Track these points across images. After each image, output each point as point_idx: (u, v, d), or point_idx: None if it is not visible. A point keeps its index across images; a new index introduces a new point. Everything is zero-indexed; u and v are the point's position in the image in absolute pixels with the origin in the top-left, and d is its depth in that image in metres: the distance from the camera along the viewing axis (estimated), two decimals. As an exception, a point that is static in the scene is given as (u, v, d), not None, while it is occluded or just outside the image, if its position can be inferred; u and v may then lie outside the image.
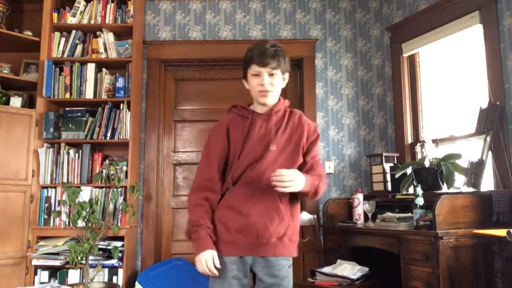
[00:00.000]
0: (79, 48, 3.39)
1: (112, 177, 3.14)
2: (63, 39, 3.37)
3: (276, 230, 1.66)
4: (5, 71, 3.23)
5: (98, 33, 3.41)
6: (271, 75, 1.69)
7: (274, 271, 1.65)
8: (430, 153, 2.85)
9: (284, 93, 3.66)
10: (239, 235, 1.64)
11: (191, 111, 3.71)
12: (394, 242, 2.49)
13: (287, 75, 1.78)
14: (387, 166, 3.23)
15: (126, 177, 3.21)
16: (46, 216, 3.13)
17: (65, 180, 3.16)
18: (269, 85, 1.69)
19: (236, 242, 1.65)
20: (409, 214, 2.59)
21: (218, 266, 1.62)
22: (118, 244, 3.06)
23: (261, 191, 1.66)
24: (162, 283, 3.09)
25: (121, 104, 3.28)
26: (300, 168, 1.72)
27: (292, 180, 1.59)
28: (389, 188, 3.19)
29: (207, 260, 1.60)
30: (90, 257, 2.93)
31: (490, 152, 2.58)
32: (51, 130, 3.20)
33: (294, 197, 1.73)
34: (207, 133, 1.84)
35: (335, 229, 3.09)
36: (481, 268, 2.27)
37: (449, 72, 3.15)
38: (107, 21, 3.40)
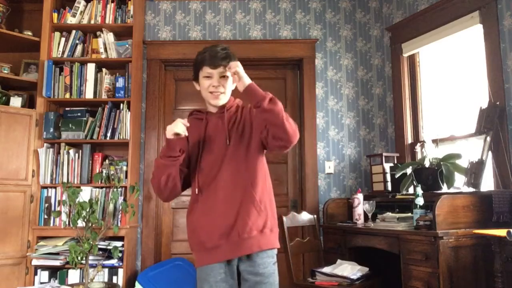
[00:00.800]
0: (79, 48, 3.39)
1: (112, 177, 3.14)
2: (63, 39, 3.37)
3: (256, 223, 1.67)
4: (5, 71, 3.23)
5: (98, 33, 3.41)
6: (222, 77, 1.73)
7: (260, 270, 1.66)
8: (430, 153, 2.85)
9: (284, 93, 3.70)
10: (221, 239, 1.65)
11: (191, 111, 3.71)
12: (394, 242, 2.49)
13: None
14: (387, 166, 3.23)
15: (126, 177, 3.21)
16: (46, 216, 3.13)
17: (65, 180, 3.16)
18: (221, 86, 1.73)
19: (220, 246, 1.65)
20: (409, 214, 2.59)
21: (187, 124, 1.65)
22: (118, 244, 3.06)
23: (231, 188, 1.67)
24: (162, 283, 3.09)
25: (121, 104, 3.28)
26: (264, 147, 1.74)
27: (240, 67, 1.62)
28: (389, 188, 3.19)
29: (175, 126, 1.64)
30: (90, 257, 2.93)
31: (490, 152, 2.58)
32: (51, 130, 3.20)
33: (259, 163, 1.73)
34: None
35: (335, 229, 3.09)
36: (481, 268, 2.27)
37: (449, 72, 3.15)
38: (107, 21, 3.40)
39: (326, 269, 2.70)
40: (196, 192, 1.71)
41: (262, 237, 1.68)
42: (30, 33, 3.34)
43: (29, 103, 3.42)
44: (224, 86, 1.74)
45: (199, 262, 1.71)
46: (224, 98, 1.77)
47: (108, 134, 3.26)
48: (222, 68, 1.72)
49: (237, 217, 1.65)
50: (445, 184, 2.71)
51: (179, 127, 1.64)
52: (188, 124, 1.66)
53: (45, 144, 3.20)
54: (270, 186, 1.79)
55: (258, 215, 1.68)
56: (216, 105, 1.78)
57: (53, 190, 3.17)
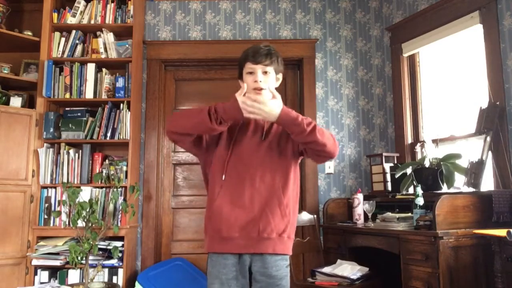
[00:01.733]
0: (79, 48, 3.39)
1: (112, 177, 3.14)
2: (63, 39, 3.37)
3: (278, 226, 1.66)
4: (5, 71, 3.23)
5: (98, 33, 3.41)
6: (264, 72, 1.73)
7: (272, 272, 1.65)
8: (430, 153, 2.85)
9: (284, 93, 3.70)
10: (240, 232, 1.64)
11: (191, 111, 3.71)
12: (394, 242, 2.49)
13: (280, 76, 1.84)
14: (387, 166, 3.23)
15: (126, 177, 3.21)
16: (46, 216, 3.13)
17: (65, 180, 3.16)
18: (263, 82, 1.72)
19: (236, 238, 1.64)
20: (409, 214, 2.59)
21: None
22: (118, 244, 3.06)
23: (261, 184, 1.67)
24: (162, 283, 3.09)
25: (121, 104, 3.28)
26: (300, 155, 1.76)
27: (262, 105, 1.59)
28: (389, 188, 3.19)
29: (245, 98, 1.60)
30: (90, 257, 2.93)
31: (490, 152, 2.58)
32: (51, 130, 3.20)
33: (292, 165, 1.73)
34: None
35: (335, 229, 3.09)
36: (481, 268, 2.27)
37: (449, 72, 3.15)
38: (107, 21, 3.40)
39: (326, 269, 2.70)
40: (223, 178, 1.69)
41: (280, 241, 1.68)
42: (30, 33, 3.34)
43: (29, 103, 3.43)
44: (266, 82, 1.74)
45: (210, 248, 1.71)
46: (264, 95, 1.74)
47: (108, 134, 3.26)
48: (263, 65, 1.72)
49: (261, 214, 1.65)
50: (445, 184, 2.71)
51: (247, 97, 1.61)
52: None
53: (45, 144, 3.20)
54: (298, 194, 1.78)
55: (281, 218, 1.67)
56: None
57: (53, 190, 3.18)
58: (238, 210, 1.65)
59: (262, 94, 1.70)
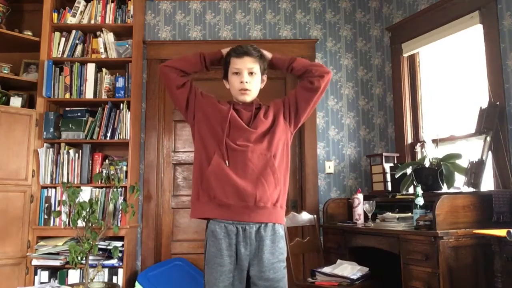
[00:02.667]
0: (79, 48, 3.39)
1: (112, 177, 3.14)
2: (63, 39, 3.37)
3: (272, 195, 1.69)
4: (5, 71, 3.23)
5: (98, 33, 3.41)
6: (250, 73, 1.76)
7: (270, 275, 1.65)
8: (430, 153, 2.85)
9: (284, 93, 3.69)
10: (236, 199, 1.65)
11: (191, 111, 3.71)
12: (394, 242, 2.49)
13: (265, 78, 1.87)
14: (387, 166, 3.23)
15: (126, 177, 3.21)
16: (46, 216, 3.13)
17: (65, 180, 3.16)
18: (249, 83, 1.75)
19: (232, 206, 1.66)
20: (409, 214, 2.59)
21: None
22: (118, 244, 3.06)
23: (256, 153, 1.70)
24: (162, 283, 3.09)
25: (121, 104, 3.28)
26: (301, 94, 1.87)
27: None
28: (389, 188, 3.19)
29: None
30: (90, 257, 2.93)
31: (490, 152, 2.58)
32: (51, 130, 3.20)
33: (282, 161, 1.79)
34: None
35: (335, 229, 3.09)
36: (481, 268, 2.27)
37: (449, 72, 3.15)
38: (107, 21, 3.40)
39: (326, 269, 2.70)
40: (211, 155, 1.71)
41: (274, 210, 1.70)
42: (30, 33, 3.34)
43: (29, 103, 3.42)
44: (251, 83, 1.77)
45: (200, 213, 1.73)
46: (250, 96, 1.80)
47: (108, 134, 3.26)
48: (250, 63, 1.75)
49: (257, 183, 1.66)
50: (445, 184, 2.71)
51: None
52: None
53: (45, 144, 3.20)
54: (288, 167, 1.80)
55: (275, 187, 1.70)
56: (244, 101, 1.80)
57: (53, 190, 3.18)
58: (233, 179, 1.66)
59: (248, 94, 1.76)
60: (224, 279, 1.64)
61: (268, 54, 1.86)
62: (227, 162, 1.68)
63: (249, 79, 1.76)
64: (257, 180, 1.67)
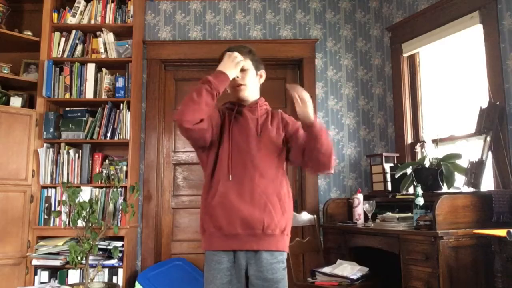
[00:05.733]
0: (79, 48, 3.39)
1: (112, 177, 3.14)
2: (63, 39, 3.37)
3: (280, 222, 1.66)
4: (5, 71, 3.23)
5: (98, 33, 3.41)
6: (242, 70, 1.75)
7: (269, 275, 1.63)
8: (430, 153, 2.85)
9: (285, 93, 3.70)
10: (243, 228, 1.62)
11: (191, 111, 3.71)
12: (394, 242, 2.49)
13: (263, 73, 1.85)
14: (387, 166, 3.23)
15: (126, 177, 3.21)
16: (46, 216, 3.13)
17: (65, 180, 3.16)
18: (241, 78, 1.75)
19: (239, 235, 1.62)
20: (409, 214, 2.59)
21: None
22: (118, 244, 3.06)
23: (263, 180, 1.66)
24: (162, 283, 3.09)
25: (121, 104, 3.28)
26: (288, 152, 1.77)
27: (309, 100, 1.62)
28: (389, 188, 3.19)
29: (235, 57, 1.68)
30: (90, 257, 2.93)
31: (490, 152, 2.57)
32: (51, 130, 3.20)
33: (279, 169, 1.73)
34: None
35: (335, 229, 3.09)
36: (481, 268, 2.27)
37: (449, 72, 3.15)
38: (107, 21, 3.40)
39: (326, 269, 2.70)
40: (229, 178, 1.65)
41: (282, 238, 1.68)
42: (30, 33, 3.34)
43: (29, 103, 3.43)
44: (244, 78, 1.75)
45: (208, 245, 1.68)
46: (246, 91, 1.77)
47: (108, 134, 3.26)
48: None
49: (265, 210, 1.63)
50: (445, 184, 2.71)
51: (234, 64, 1.67)
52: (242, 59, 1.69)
53: (45, 144, 3.20)
54: (291, 192, 1.78)
55: (282, 214, 1.67)
56: (239, 98, 1.77)
57: (53, 190, 3.18)
58: (240, 206, 1.62)
59: (242, 89, 1.74)
60: (222, 277, 1.64)
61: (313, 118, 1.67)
62: (230, 178, 1.64)
63: (240, 75, 1.75)
64: (264, 207, 1.64)
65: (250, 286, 1.66)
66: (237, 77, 1.73)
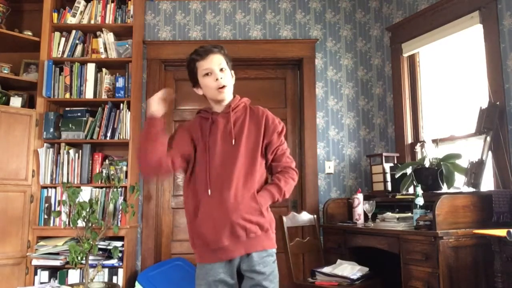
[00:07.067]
0: (79, 48, 3.39)
1: (112, 177, 3.14)
2: (63, 39, 3.37)
3: (261, 224, 1.67)
4: (5, 71, 3.23)
5: (98, 33, 3.41)
6: (221, 70, 1.71)
7: (261, 268, 1.65)
8: (430, 153, 2.85)
9: (284, 93, 3.70)
10: (228, 240, 1.62)
11: (191, 111, 3.71)
12: (394, 242, 2.49)
13: (233, 73, 1.81)
14: (387, 166, 3.23)
15: (126, 177, 3.21)
16: (46, 216, 3.13)
17: (65, 180, 3.16)
18: (223, 79, 1.71)
19: (226, 247, 1.63)
20: (409, 214, 2.59)
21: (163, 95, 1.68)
22: (118, 244, 3.06)
23: (240, 189, 1.65)
24: (162, 283, 3.09)
25: (121, 104, 3.28)
26: (266, 162, 1.76)
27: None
28: (389, 188, 3.19)
29: (152, 101, 1.69)
30: (90, 257, 2.93)
31: (490, 152, 2.57)
32: (51, 130, 3.20)
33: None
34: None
35: (335, 229, 3.09)
36: (481, 268, 2.27)
37: (449, 72, 3.15)
38: (107, 21, 3.40)
39: (326, 269, 2.70)
40: (209, 193, 1.66)
41: (267, 237, 1.69)
42: (30, 33, 3.34)
43: (29, 103, 3.43)
44: (224, 79, 1.71)
45: (201, 259, 1.71)
46: (228, 92, 1.74)
47: (108, 134, 3.26)
48: (217, 60, 1.70)
49: (244, 218, 1.63)
50: (445, 184, 2.71)
51: (152, 106, 1.68)
52: (165, 95, 1.70)
53: (45, 144, 3.20)
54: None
55: (263, 217, 1.68)
56: (222, 99, 1.74)
57: (53, 190, 3.18)
58: (222, 219, 1.62)
59: (226, 91, 1.71)
60: (213, 274, 1.64)
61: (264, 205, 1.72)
62: (209, 193, 1.65)
63: (222, 75, 1.71)
64: (245, 214, 1.64)
65: (243, 281, 1.68)
66: (221, 78, 1.70)
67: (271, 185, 1.73)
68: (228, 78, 1.74)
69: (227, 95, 1.75)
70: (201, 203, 1.67)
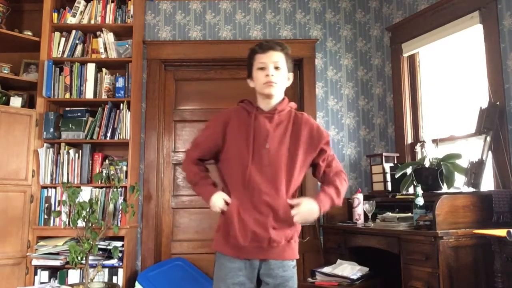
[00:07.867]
0: (79, 48, 3.39)
1: (112, 177, 3.14)
2: (63, 39, 3.37)
3: (286, 233, 1.66)
4: (5, 71, 3.23)
5: (98, 33, 3.41)
6: (276, 68, 1.70)
7: (280, 272, 1.65)
8: (430, 153, 2.85)
9: (285, 93, 3.69)
10: (252, 241, 1.62)
11: (191, 111, 3.71)
12: (394, 242, 2.49)
13: (291, 76, 1.79)
14: (387, 166, 3.23)
15: (126, 177, 3.21)
16: (46, 216, 3.13)
17: (65, 180, 3.16)
18: (275, 76, 1.69)
19: (247, 247, 1.63)
20: (409, 214, 2.59)
21: (229, 200, 1.66)
22: (118, 244, 3.06)
23: (274, 194, 1.64)
24: (162, 283, 3.09)
25: (121, 104, 3.28)
26: (314, 168, 1.78)
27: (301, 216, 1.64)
28: (389, 188, 3.19)
29: (216, 204, 1.66)
30: (90, 257, 2.93)
31: (490, 152, 2.57)
32: (51, 130, 3.20)
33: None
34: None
35: (335, 229, 3.09)
36: (481, 268, 2.27)
37: (449, 72, 3.15)
38: (107, 21, 3.40)
39: (326, 269, 2.70)
40: (242, 191, 1.65)
41: (289, 247, 1.68)
42: (30, 33, 3.34)
43: (29, 103, 3.43)
44: (277, 77, 1.70)
45: (218, 247, 1.70)
46: (277, 90, 1.71)
47: (108, 134, 3.26)
48: (275, 57, 1.70)
49: (274, 225, 1.63)
50: (445, 184, 2.71)
51: (217, 205, 1.67)
52: (228, 201, 1.67)
53: (45, 144, 3.20)
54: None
55: (289, 227, 1.67)
56: (269, 94, 1.70)
57: (53, 190, 3.18)
58: (252, 220, 1.62)
59: (273, 86, 1.68)
60: (232, 276, 1.63)
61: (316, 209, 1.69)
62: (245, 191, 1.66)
63: (274, 72, 1.69)
64: (271, 222, 1.64)
65: (262, 284, 1.67)
66: (272, 74, 1.68)
67: (329, 187, 1.72)
68: (281, 77, 1.72)
69: (276, 92, 1.72)
70: (233, 196, 1.67)
